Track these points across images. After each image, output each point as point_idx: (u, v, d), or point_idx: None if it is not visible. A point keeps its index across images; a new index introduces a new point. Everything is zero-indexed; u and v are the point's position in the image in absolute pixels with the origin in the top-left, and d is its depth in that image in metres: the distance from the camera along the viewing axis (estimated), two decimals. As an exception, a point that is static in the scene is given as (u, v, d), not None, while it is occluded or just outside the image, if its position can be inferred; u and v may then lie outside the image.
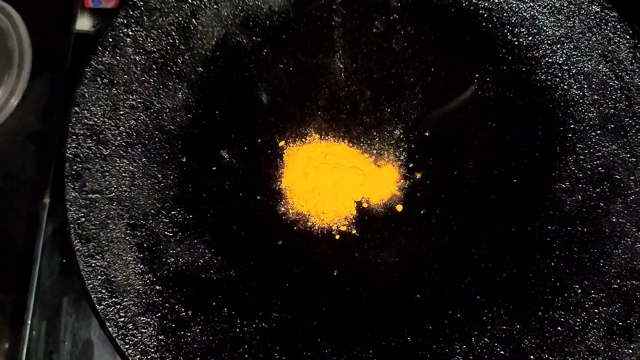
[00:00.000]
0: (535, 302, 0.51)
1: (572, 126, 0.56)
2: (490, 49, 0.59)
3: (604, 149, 0.55)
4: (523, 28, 0.59)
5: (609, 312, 0.49)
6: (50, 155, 0.61)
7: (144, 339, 0.48)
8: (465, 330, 0.50)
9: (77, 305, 0.56)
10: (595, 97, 0.56)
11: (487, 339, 0.50)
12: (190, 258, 0.52)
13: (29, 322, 0.55)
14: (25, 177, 0.61)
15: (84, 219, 0.50)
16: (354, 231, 0.54)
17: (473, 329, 0.50)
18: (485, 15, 0.60)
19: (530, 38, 0.59)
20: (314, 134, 0.58)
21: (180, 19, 0.57)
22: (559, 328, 0.50)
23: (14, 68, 0.62)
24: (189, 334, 0.49)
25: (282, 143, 0.57)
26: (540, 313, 0.50)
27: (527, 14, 0.59)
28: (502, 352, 0.49)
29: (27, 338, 0.55)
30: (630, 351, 0.48)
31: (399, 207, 0.55)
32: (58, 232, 0.58)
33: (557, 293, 0.51)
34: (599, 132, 0.55)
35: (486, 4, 0.60)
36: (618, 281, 0.50)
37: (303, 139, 0.58)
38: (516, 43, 0.59)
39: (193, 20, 0.58)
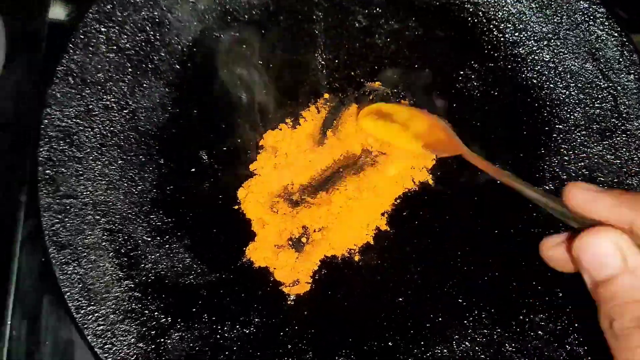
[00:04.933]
0: (516, 306, 0.51)
1: (557, 126, 0.55)
2: (476, 45, 0.58)
3: (588, 150, 0.54)
4: (509, 24, 0.57)
5: (591, 317, 0.49)
6: (26, 148, 0.59)
7: (124, 347, 0.47)
8: (447, 333, 0.50)
9: (58, 305, 0.55)
10: (581, 96, 0.55)
11: (468, 343, 0.50)
12: (169, 263, 0.51)
13: (9, 321, 0.55)
14: (2, 169, 0.60)
15: (58, 225, 0.49)
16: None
17: (454, 333, 0.50)
18: (471, 10, 0.58)
19: (516, 34, 0.57)
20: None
21: (155, 13, 0.55)
22: (540, 332, 0.50)
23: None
24: (168, 341, 0.48)
25: (262, 142, 0.56)
26: (521, 317, 0.50)
27: (513, 9, 0.57)
28: (482, 356, 0.50)
29: (7, 338, 0.54)
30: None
31: (382, 209, 0.55)
32: (37, 229, 0.56)
33: (539, 296, 0.51)
34: (584, 132, 0.55)
35: (472, -2, 0.58)
36: (599, 285, 0.50)
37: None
38: (502, 39, 0.58)
39: (169, 15, 0.56)
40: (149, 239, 0.51)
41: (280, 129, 0.56)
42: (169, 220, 0.52)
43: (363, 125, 0.54)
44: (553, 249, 0.32)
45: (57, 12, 0.67)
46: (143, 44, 0.55)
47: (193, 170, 0.54)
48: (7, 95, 0.62)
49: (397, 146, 0.54)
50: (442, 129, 0.50)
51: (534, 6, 0.57)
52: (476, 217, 0.54)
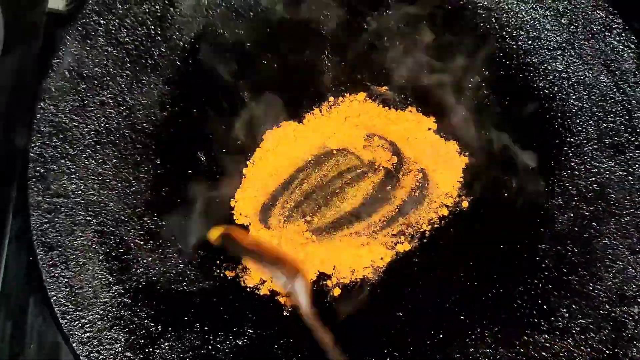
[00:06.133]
0: (520, 325, 0.49)
1: (568, 139, 0.53)
2: (488, 52, 0.56)
3: (600, 165, 0.52)
4: (523, 31, 0.56)
5: (596, 339, 0.47)
6: (19, 141, 0.57)
7: (110, 355, 0.45)
8: (447, 352, 0.49)
9: (44, 307, 0.53)
10: (595, 109, 0.54)
11: (470, 362, 0.48)
12: (161, 268, 0.49)
13: (-7, 322, 0.53)
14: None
15: (47, 225, 0.47)
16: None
17: (455, 351, 0.49)
18: (484, 15, 0.56)
19: (529, 42, 0.55)
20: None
21: (157, 7, 0.53)
22: (544, 353, 0.48)
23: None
24: (157, 351, 0.46)
25: (263, 144, 0.54)
26: (525, 337, 0.48)
27: (528, 16, 0.55)
28: (484, 376, 0.48)
29: (-10, 338, 0.52)
30: (617, 381, 0.47)
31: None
32: (25, 228, 0.54)
33: (543, 316, 0.49)
34: (595, 146, 0.53)
35: (485, 3, 0.56)
36: (607, 307, 0.48)
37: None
38: (515, 47, 0.56)
39: (171, 9, 0.54)
40: (142, 243, 0.49)
41: (282, 132, 0.54)
42: (163, 223, 0.50)
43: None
44: None
45: (56, 2, 0.65)
46: (143, 38, 0.53)
47: (190, 172, 0.52)
48: (2, 85, 0.61)
49: None
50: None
51: (549, 14, 0.55)
52: (481, 234, 0.52)
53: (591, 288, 0.49)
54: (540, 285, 0.50)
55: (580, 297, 0.49)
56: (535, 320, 0.49)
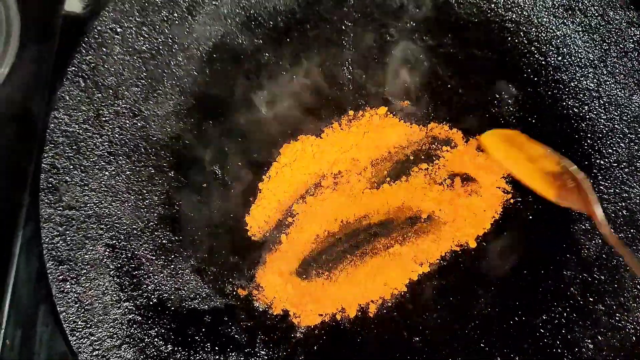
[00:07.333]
0: (543, 355, 0.47)
1: (597, 161, 0.51)
2: (515, 68, 0.54)
3: (630, 189, 0.50)
4: (552, 47, 0.53)
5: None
6: (33, 143, 0.56)
7: (119, 374, 0.44)
8: (466, 379, 0.47)
9: (53, 316, 0.53)
10: (626, 130, 0.51)
11: (489, 392, 0.47)
12: (173, 285, 0.48)
13: (3, 330, 0.52)
14: (8, 163, 0.57)
15: (58, 239, 0.46)
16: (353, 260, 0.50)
17: (474, 379, 0.47)
18: (512, 29, 0.54)
19: (559, 58, 0.53)
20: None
21: (175, 15, 0.52)
22: (567, 385, 0.46)
23: (1, 35, 0.57)
24: (167, 371, 0.45)
25: (280, 158, 0.52)
26: (547, 367, 0.47)
27: (558, 31, 0.53)
28: (503, 407, 0.46)
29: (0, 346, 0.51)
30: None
31: (403, 239, 0.51)
32: (36, 235, 0.54)
33: (567, 347, 0.47)
34: (626, 170, 0.51)
35: (514, 17, 0.54)
36: (634, 339, 0.46)
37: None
38: (543, 63, 0.53)
39: (189, 17, 0.52)
40: (153, 258, 0.48)
41: (300, 146, 0.53)
42: (176, 238, 0.49)
43: (485, 142, 0.50)
44: None
45: (73, 5, 0.64)
46: (160, 47, 0.51)
47: (205, 185, 0.51)
48: (18, 85, 0.60)
49: (524, 182, 0.49)
50: (575, 180, 0.45)
51: (580, 30, 0.53)
52: (506, 251, 0.50)
53: (618, 319, 0.47)
54: (565, 314, 0.48)
55: (606, 328, 0.47)
56: (559, 350, 0.47)
